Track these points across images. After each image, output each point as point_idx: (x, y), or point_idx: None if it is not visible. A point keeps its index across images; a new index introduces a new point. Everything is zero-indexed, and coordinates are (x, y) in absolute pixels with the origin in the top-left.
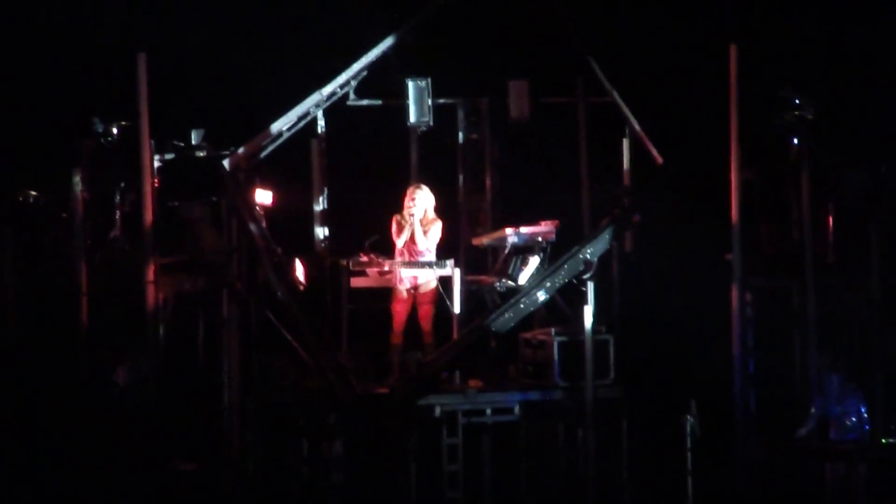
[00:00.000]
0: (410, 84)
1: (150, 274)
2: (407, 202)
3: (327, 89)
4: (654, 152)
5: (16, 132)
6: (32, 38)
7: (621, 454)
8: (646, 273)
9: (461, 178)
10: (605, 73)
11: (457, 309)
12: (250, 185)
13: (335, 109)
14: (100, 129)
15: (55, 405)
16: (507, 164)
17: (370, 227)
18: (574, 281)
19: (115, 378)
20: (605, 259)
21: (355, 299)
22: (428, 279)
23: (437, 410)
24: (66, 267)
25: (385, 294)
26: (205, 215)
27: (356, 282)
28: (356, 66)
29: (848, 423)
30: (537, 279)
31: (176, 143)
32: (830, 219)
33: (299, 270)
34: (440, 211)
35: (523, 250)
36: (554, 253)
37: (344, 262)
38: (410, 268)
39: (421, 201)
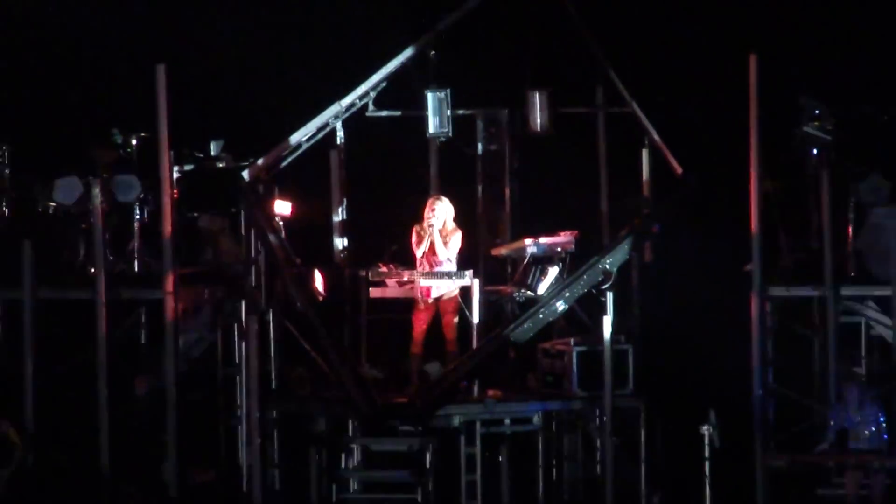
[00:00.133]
0: (430, 95)
1: (169, 284)
2: (426, 213)
3: (346, 100)
4: (674, 163)
5: (36, 143)
6: (53, 50)
7: (640, 464)
8: (665, 283)
9: (480, 188)
10: (625, 84)
11: (476, 319)
12: (269, 195)
13: (354, 120)
14: (119, 140)
15: (74, 415)
16: (527, 174)
17: (389, 238)
18: (593, 291)
19: (134, 388)
20: (624, 269)
21: (374, 310)
22: (450, 289)
23: (456, 420)
24: (85, 277)
25: (404, 304)
26: (224, 226)
27: (375, 292)
28: (375, 78)
29: (867, 432)
30: (556, 289)
31: (195, 154)
32: (850, 229)
33: (318, 281)
34: (459, 221)
35: (542, 260)
36: (573, 263)
37: (363, 273)
38: (430, 278)
39: (440, 212)
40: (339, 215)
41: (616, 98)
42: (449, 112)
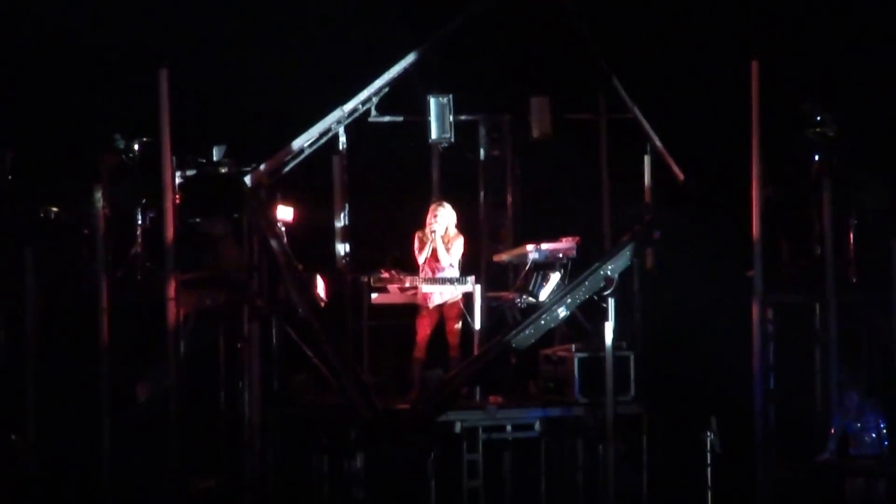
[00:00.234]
0: (432, 101)
1: (171, 290)
2: (429, 219)
3: (349, 106)
4: (676, 169)
5: (37, 148)
6: (54, 55)
7: (642, 470)
8: (666, 289)
9: (482, 194)
10: (627, 90)
11: (478, 325)
12: (272, 201)
13: (357, 126)
14: (121, 145)
15: (76, 421)
16: (529, 180)
17: (391, 244)
18: (595, 297)
19: (136, 394)
20: (625, 275)
21: (376, 316)
22: (454, 294)
23: (458, 427)
24: (87, 283)
25: (406, 310)
26: (226, 231)
27: (377, 298)
28: (378, 83)
29: (867, 438)
30: (558, 295)
31: (197, 159)
32: (851, 235)
33: (320, 287)
34: (461, 227)
35: (544, 267)
36: (575, 269)
37: (365, 279)
38: (432, 284)
39: (443, 218)
40: (341, 221)
41: (618, 104)
42: (451, 118)
